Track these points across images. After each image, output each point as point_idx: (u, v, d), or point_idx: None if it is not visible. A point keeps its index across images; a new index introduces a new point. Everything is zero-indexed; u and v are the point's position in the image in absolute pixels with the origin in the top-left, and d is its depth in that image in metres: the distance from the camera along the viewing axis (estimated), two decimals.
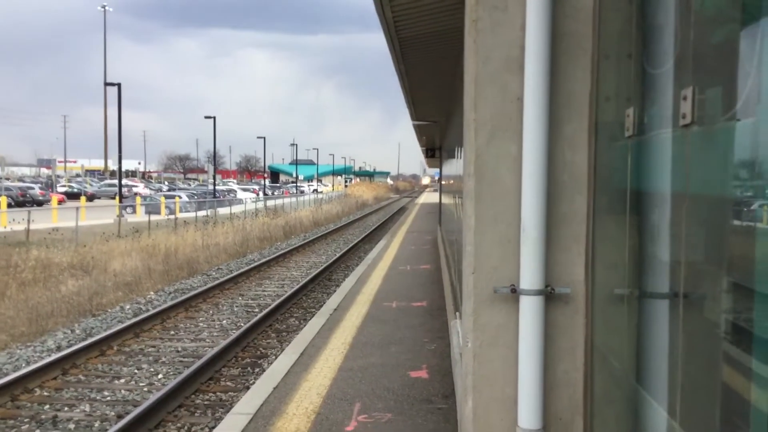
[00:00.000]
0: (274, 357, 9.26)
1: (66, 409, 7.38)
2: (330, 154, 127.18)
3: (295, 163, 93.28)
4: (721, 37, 2.57)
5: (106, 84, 39.29)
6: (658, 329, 3.14)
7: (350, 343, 8.16)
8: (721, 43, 2.55)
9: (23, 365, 8.98)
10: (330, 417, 5.60)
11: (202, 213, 38.54)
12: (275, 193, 72.51)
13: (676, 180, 2.91)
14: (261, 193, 66.19)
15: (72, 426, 6.86)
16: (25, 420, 7.02)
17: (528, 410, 3.72)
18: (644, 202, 3.37)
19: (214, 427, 6.01)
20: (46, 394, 7.83)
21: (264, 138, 70.26)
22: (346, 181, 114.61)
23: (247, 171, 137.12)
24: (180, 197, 49.03)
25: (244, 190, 72.01)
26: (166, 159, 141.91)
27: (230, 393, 7.94)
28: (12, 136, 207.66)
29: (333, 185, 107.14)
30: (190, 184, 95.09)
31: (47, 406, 7.42)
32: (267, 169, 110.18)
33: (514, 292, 3.72)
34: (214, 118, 51.68)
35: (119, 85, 37.74)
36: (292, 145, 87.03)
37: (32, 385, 7.92)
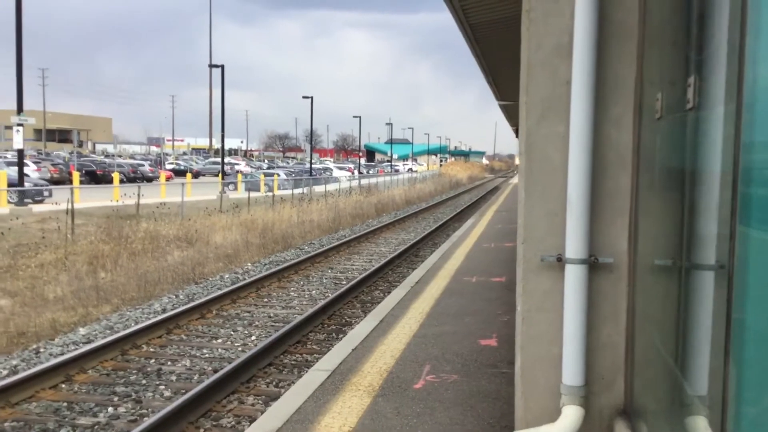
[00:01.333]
0: (357, 324, 9.84)
1: (169, 363, 8.21)
2: (425, 134, 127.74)
3: (390, 142, 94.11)
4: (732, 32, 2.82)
5: (211, 66, 41.05)
6: (697, 299, 3.40)
7: (427, 312, 8.62)
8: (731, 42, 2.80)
9: (132, 324, 9.91)
10: (401, 376, 6.09)
11: (298, 190, 39.75)
12: (370, 172, 73.63)
13: (709, 158, 3.17)
14: (356, 172, 67.40)
15: (174, 378, 7.66)
16: (133, 371, 7.87)
17: (572, 368, 4.06)
18: (683, 179, 3.61)
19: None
20: (151, 350, 8.69)
21: (360, 117, 71.36)
22: (441, 161, 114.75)
23: (344, 150, 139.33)
24: (278, 175, 50.70)
25: (340, 168, 73.43)
26: (266, 138, 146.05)
27: (315, 355, 8.57)
28: (124, 115, 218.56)
29: (428, 164, 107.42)
30: (288, 163, 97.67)
31: (152, 360, 8.28)
32: (362, 148, 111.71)
33: (560, 261, 4.06)
34: (312, 98, 52.98)
35: (222, 67, 39.34)
36: (388, 124, 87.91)
37: (140, 342, 8.80)
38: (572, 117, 4.02)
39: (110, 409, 6.70)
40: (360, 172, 67.71)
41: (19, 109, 23.31)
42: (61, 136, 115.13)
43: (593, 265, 4.06)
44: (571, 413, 4.02)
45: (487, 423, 5.02)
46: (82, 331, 9.76)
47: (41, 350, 8.71)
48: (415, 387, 5.83)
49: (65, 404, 6.79)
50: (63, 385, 7.28)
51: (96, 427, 6.26)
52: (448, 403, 5.42)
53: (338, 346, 7.13)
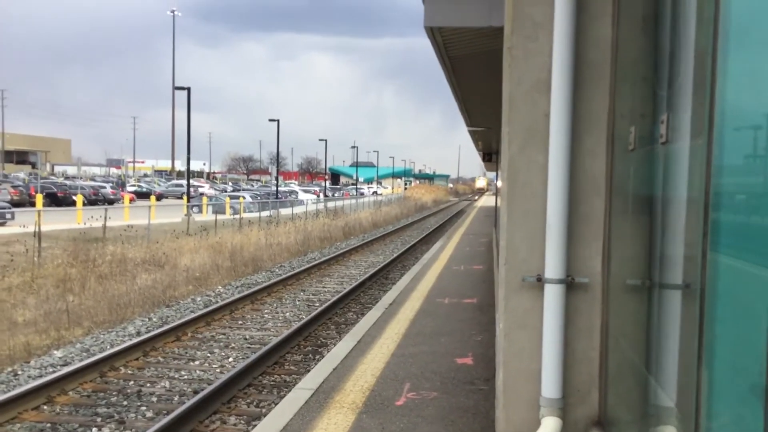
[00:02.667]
0: (333, 345, 10.01)
1: (148, 385, 8.28)
2: (390, 157, 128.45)
3: (356, 165, 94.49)
4: (699, 70, 3.15)
5: (175, 88, 40.93)
6: (665, 316, 3.70)
7: (403, 333, 8.85)
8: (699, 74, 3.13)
9: (108, 347, 9.95)
10: (382, 393, 6.30)
11: (265, 213, 39.76)
12: (335, 195, 73.78)
13: (672, 185, 3.49)
14: (322, 195, 67.52)
15: (154, 399, 7.74)
16: (114, 393, 7.93)
17: (550, 382, 4.33)
18: (653, 206, 3.93)
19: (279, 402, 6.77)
20: (130, 372, 8.76)
21: (325, 140, 71.59)
22: (405, 184, 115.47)
23: (308, 173, 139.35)
24: (244, 198, 50.57)
25: (305, 191, 73.49)
26: (230, 160, 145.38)
27: (293, 375, 8.72)
28: (84, 136, 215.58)
29: (393, 188, 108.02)
30: (253, 185, 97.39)
31: (131, 382, 8.34)
32: (328, 171, 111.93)
33: (540, 281, 4.34)
34: (278, 121, 53.09)
35: (188, 89, 39.27)
36: (353, 147, 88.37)
37: (118, 364, 8.86)
38: (551, 147, 4.33)
39: (94, 429, 6.77)
40: (326, 195, 67.88)
41: None
42: (19, 157, 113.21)
43: (570, 285, 4.35)
44: (550, 424, 4.28)
45: None
46: (57, 353, 9.76)
47: (18, 372, 8.72)
48: (397, 404, 6.05)
49: (49, 425, 6.85)
50: (45, 407, 7.32)
51: None
52: (430, 419, 5.65)
53: (319, 366, 7.31)
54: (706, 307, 2.77)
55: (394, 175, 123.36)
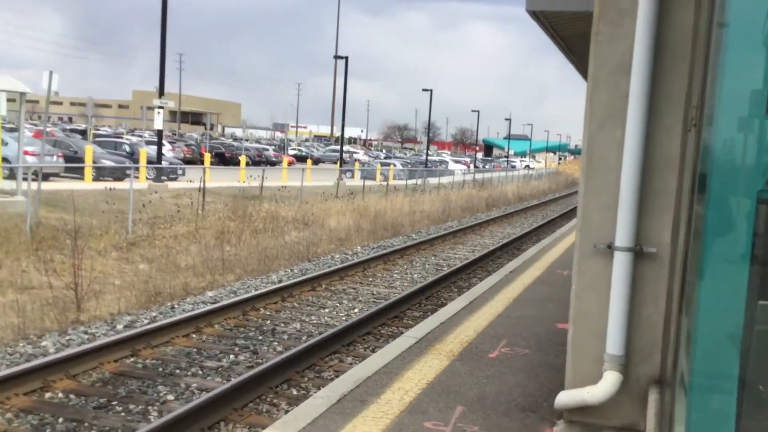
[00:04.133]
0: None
1: (282, 324, 9.36)
2: (545, 131, 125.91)
3: (508, 137, 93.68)
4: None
5: (336, 57, 42.70)
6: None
7: (515, 298, 9.35)
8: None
9: (252, 290, 11.18)
10: (479, 346, 6.90)
11: (413, 181, 40.77)
12: (486, 167, 73.77)
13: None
14: (471, 166, 67.80)
15: (285, 337, 8.79)
16: (252, 329, 9.07)
17: (614, 341, 4.77)
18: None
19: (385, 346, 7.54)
20: (268, 313, 9.88)
21: (478, 111, 71.63)
22: (559, 159, 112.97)
23: (462, 143, 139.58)
24: (394, 165, 51.97)
25: (456, 161, 73.99)
26: (386, 128, 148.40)
27: (409, 328, 9.47)
28: (253, 100, 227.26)
29: (546, 162, 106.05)
30: (405, 154, 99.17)
31: (268, 321, 9.45)
32: (481, 142, 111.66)
33: (610, 248, 4.75)
34: (431, 91, 53.91)
35: (346, 58, 40.84)
36: (507, 119, 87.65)
37: (258, 305, 10.02)
38: (628, 125, 4.70)
39: (231, 356, 7.88)
40: (476, 166, 68.12)
41: (161, 93, 25.52)
42: (194, 118, 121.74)
43: (638, 254, 4.73)
44: (611, 378, 4.72)
45: (547, 387, 5.76)
46: (209, 293, 11.12)
47: (175, 306, 10.09)
48: (490, 356, 6.63)
49: (195, 350, 8.04)
50: (194, 335, 8.55)
51: (219, 368, 7.45)
52: (516, 370, 6.20)
53: (428, 320, 8.02)
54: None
55: (548, 150, 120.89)
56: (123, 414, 6.11)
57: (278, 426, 4.80)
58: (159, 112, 25.37)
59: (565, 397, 4.90)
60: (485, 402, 5.40)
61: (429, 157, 65.49)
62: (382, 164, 52.34)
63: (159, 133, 26.34)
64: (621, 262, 4.73)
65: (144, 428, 5.41)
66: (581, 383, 4.89)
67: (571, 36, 6.90)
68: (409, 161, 62.90)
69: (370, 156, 77.40)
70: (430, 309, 10.70)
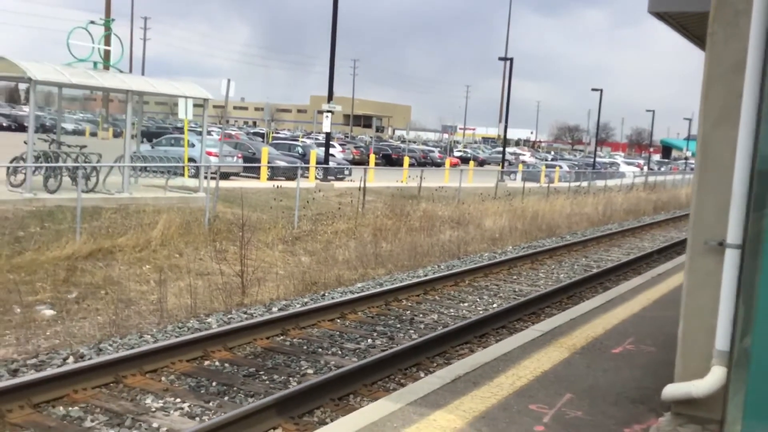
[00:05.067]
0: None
1: (421, 315, 9.87)
2: None
3: (688, 138, 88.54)
4: None
5: (499, 59, 42.73)
6: None
7: (655, 299, 9.23)
8: None
9: (397, 283, 11.79)
10: (604, 342, 7.01)
11: (580, 183, 39.91)
12: (662, 169, 70.37)
13: None
14: (645, 168, 65.00)
15: (422, 326, 9.29)
16: (392, 317, 9.65)
17: (724, 336, 4.81)
18: None
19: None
20: (409, 304, 10.43)
21: (653, 111, 68.45)
22: None
23: (638, 144, 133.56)
24: (560, 167, 51.10)
25: (628, 163, 71.16)
26: (556, 129, 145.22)
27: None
28: (423, 103, 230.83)
29: None
30: (575, 155, 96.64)
31: (408, 312, 10.00)
32: (658, 143, 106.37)
33: (721, 246, 4.80)
34: (601, 90, 52.29)
35: (511, 60, 40.83)
36: (687, 119, 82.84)
37: (401, 297, 10.59)
38: (741, 125, 4.73)
39: (369, 340, 8.49)
40: (650, 168, 65.20)
41: (330, 98, 26.96)
42: (366, 121, 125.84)
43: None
44: (718, 372, 4.77)
45: (662, 383, 5.77)
46: (358, 285, 11.86)
47: (326, 295, 10.90)
48: (613, 351, 6.74)
49: (337, 333, 8.74)
50: (338, 320, 9.27)
51: (357, 350, 8.08)
52: (635, 366, 6.28)
53: (559, 315, 8.20)
54: None
55: None
56: (267, 382, 6.87)
57: (393, 397, 5.28)
58: (327, 116, 26.83)
59: (672, 389, 5.00)
60: (595, 392, 5.57)
61: (599, 159, 63.53)
62: (547, 166, 51.60)
63: (327, 136, 27.83)
64: (732, 259, 4.76)
65: (282, 392, 6.11)
66: (690, 377, 4.96)
67: (705, 35, 6.74)
68: (576, 163, 61.44)
69: (536, 158, 76.32)
70: (570, 307, 10.75)
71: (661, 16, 5.95)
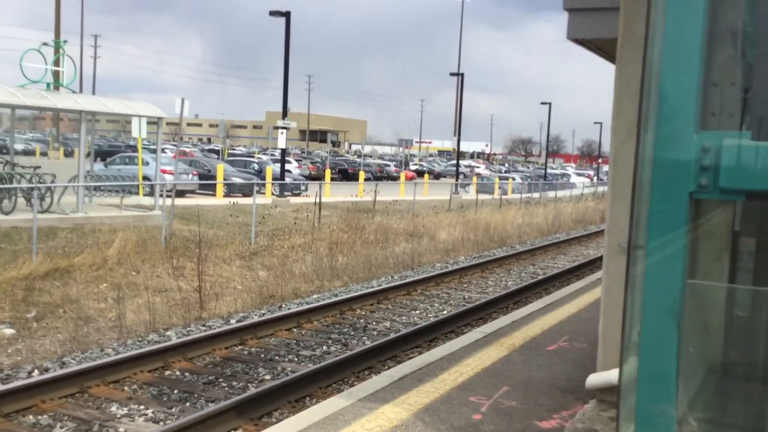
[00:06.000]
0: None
1: (374, 323, 10.34)
2: None
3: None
4: None
5: (451, 74, 43.70)
6: None
7: (591, 301, 9.85)
8: None
9: (351, 293, 12.25)
10: (540, 341, 7.56)
11: (534, 195, 40.94)
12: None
13: None
14: (595, 179, 66.67)
15: (375, 333, 9.75)
16: (346, 326, 10.10)
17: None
18: None
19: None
20: (362, 312, 10.89)
21: (600, 123, 70.40)
22: None
23: (588, 156, 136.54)
24: (513, 179, 52.21)
25: (579, 174, 72.90)
26: (510, 142, 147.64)
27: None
28: (378, 118, 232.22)
29: None
30: (528, 167, 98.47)
31: (362, 320, 10.46)
32: (602, 155, 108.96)
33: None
34: (550, 104, 53.76)
35: (462, 75, 41.80)
36: None
37: (355, 306, 11.05)
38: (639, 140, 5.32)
39: (324, 347, 8.93)
40: (599, 179, 66.90)
41: (284, 115, 27.41)
42: (323, 136, 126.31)
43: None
44: (632, 361, 5.32)
45: (589, 374, 6.36)
46: (314, 296, 12.28)
47: (282, 306, 11.29)
48: (548, 348, 7.29)
49: (294, 341, 9.15)
50: (294, 330, 9.68)
51: (312, 356, 8.51)
52: (567, 361, 6.84)
53: (501, 318, 8.76)
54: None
55: None
56: (226, 388, 7.26)
57: (345, 395, 5.74)
58: (282, 132, 27.25)
59: (595, 379, 5.55)
60: (530, 384, 6.11)
61: (551, 171, 64.99)
62: (501, 178, 52.70)
63: (282, 152, 28.23)
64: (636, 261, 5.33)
65: (241, 396, 6.51)
66: (610, 367, 5.51)
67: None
68: (529, 175, 62.76)
69: (491, 170, 77.67)
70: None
71: (580, 42, 6.56)
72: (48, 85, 19.00)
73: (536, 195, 40.45)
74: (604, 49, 7.00)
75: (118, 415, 6.37)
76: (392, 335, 9.13)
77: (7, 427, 5.93)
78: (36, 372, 7.41)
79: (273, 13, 26.68)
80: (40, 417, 6.21)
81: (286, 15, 26.52)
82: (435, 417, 5.25)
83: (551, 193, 42.86)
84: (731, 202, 3.59)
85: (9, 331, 9.82)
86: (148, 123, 21.47)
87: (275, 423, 6.25)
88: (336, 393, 7.03)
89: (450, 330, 9.89)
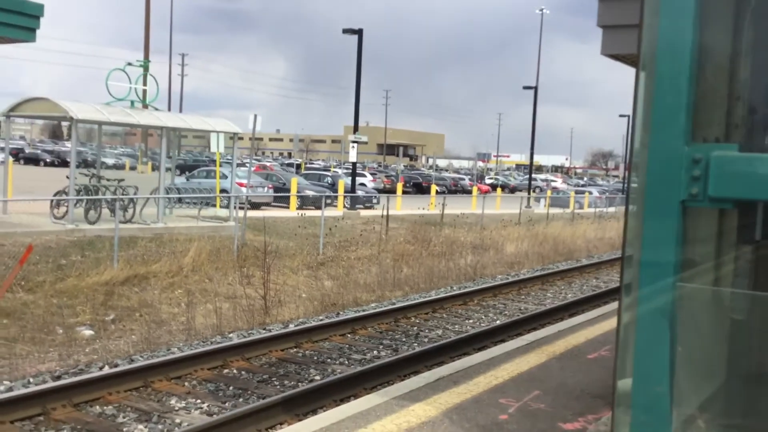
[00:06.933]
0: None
1: (426, 330, 10.65)
2: None
3: None
4: None
5: (524, 87, 43.58)
6: None
7: None
8: None
9: (408, 302, 12.58)
10: (582, 350, 7.72)
11: (612, 209, 40.30)
12: None
13: None
14: None
15: (426, 340, 10.06)
16: (399, 332, 10.44)
17: None
18: None
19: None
20: (417, 321, 11.21)
21: None
22: None
23: None
24: (590, 193, 51.45)
25: None
26: (590, 155, 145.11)
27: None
28: (457, 132, 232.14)
29: None
30: (609, 181, 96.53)
31: (415, 327, 10.78)
32: None
33: None
34: (628, 116, 52.71)
35: (536, 88, 41.68)
36: None
37: (410, 314, 11.38)
38: None
39: (375, 351, 9.30)
40: None
41: (355, 129, 28.07)
42: (399, 150, 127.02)
43: None
44: (628, 366, 5.47)
45: None
46: (373, 305, 12.67)
47: (341, 314, 11.73)
48: (588, 357, 7.44)
49: (347, 346, 9.56)
50: (349, 335, 10.09)
51: (362, 360, 8.89)
52: (604, 368, 6.97)
53: (547, 328, 8.91)
54: None
55: None
56: (278, 386, 7.71)
57: (380, 393, 6.08)
58: (353, 147, 27.91)
59: (623, 384, 5.71)
60: (562, 389, 6.30)
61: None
62: (577, 192, 51.99)
63: (353, 165, 28.87)
64: None
65: (288, 392, 6.94)
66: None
67: None
68: (607, 189, 61.65)
69: (569, 184, 76.61)
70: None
71: (615, 57, 6.75)
72: (132, 102, 20.16)
73: (612, 209, 39.78)
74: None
75: (176, 408, 6.90)
76: (440, 341, 9.41)
77: (75, 416, 6.53)
78: (106, 367, 8.05)
79: (346, 31, 27.45)
80: (105, 407, 6.80)
81: (359, 32, 27.22)
82: (462, 416, 5.52)
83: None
84: (722, 210, 3.80)
85: (88, 332, 10.59)
86: (228, 138, 22.46)
87: None
88: None
89: (500, 339, 10.08)
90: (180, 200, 21.84)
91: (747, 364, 4.15)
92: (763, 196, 3.52)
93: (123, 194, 18.64)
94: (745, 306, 4.19)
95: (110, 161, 46.27)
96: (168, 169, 21.56)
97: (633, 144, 5.35)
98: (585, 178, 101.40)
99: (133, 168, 51.74)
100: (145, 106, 21.28)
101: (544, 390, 6.25)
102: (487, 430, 5.24)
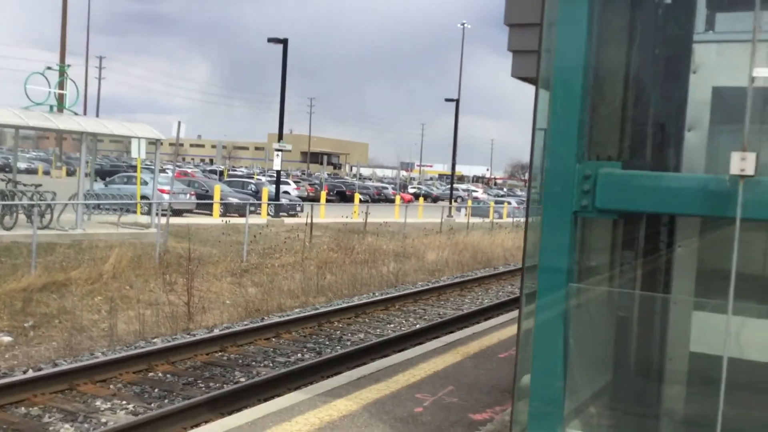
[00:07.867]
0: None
1: (349, 334, 11.00)
2: None
3: None
4: None
5: (446, 99, 44.60)
6: None
7: None
8: None
9: (331, 307, 12.91)
10: (494, 350, 8.22)
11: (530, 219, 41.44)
12: None
13: None
14: None
15: (349, 343, 10.41)
16: (322, 336, 10.75)
17: None
18: None
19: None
20: (340, 325, 11.55)
21: None
22: None
23: None
24: (509, 203, 52.95)
25: None
26: (510, 167, 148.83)
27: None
28: (382, 140, 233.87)
29: None
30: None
31: (338, 332, 11.11)
32: None
33: None
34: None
35: (457, 100, 42.72)
36: None
37: (333, 319, 11.70)
38: None
39: (299, 355, 9.58)
40: None
41: (280, 137, 28.22)
42: (323, 158, 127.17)
43: None
44: (526, 363, 5.97)
45: None
46: (297, 310, 12.93)
47: (265, 319, 11.95)
48: (500, 356, 7.95)
49: (271, 349, 9.80)
50: (273, 339, 10.33)
51: (287, 362, 9.16)
52: (513, 365, 7.46)
53: (463, 331, 9.40)
54: None
55: None
56: (204, 388, 7.91)
57: (305, 391, 6.39)
58: (278, 155, 28.04)
59: (525, 379, 6.19)
60: (474, 385, 6.76)
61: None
62: (497, 202, 53.39)
63: (278, 173, 29.00)
64: None
65: (217, 392, 7.16)
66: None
67: None
68: (525, 199, 63.41)
69: (489, 194, 78.45)
70: None
71: (523, 79, 7.29)
72: (51, 107, 19.81)
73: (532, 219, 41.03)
74: None
75: (102, 408, 7.02)
76: (362, 344, 9.78)
77: (0, 417, 6.58)
78: (30, 371, 8.06)
79: (271, 40, 27.60)
80: (31, 409, 6.86)
81: (284, 42, 27.42)
82: (381, 409, 5.90)
83: None
84: (614, 220, 4.32)
85: (6, 339, 10.46)
86: (149, 143, 22.27)
87: None
88: None
89: (419, 341, 10.51)
90: (99, 206, 21.52)
91: (632, 356, 4.68)
92: (641, 207, 4.06)
93: (40, 200, 18.28)
94: (629, 304, 4.74)
95: (23, 165, 44.77)
96: (87, 175, 21.23)
97: (532, 160, 5.93)
98: (505, 189, 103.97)
99: (46, 172, 50.11)
100: (61, 110, 20.89)
101: (457, 386, 6.69)
102: (404, 422, 5.63)
